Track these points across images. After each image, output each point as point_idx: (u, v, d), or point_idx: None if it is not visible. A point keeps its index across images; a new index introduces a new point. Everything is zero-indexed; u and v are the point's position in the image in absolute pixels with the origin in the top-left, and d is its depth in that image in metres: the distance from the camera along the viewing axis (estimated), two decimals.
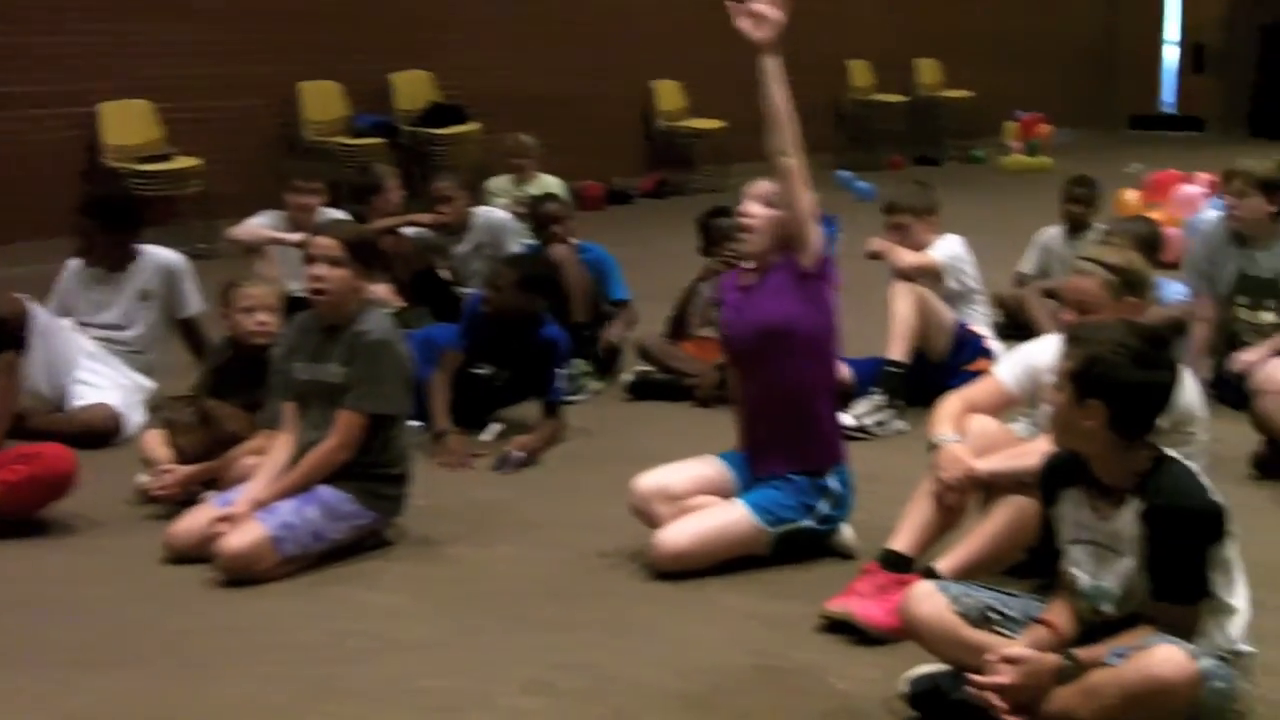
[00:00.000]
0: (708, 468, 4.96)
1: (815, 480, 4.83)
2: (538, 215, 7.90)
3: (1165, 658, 3.26)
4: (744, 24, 4.54)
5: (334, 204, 8.13)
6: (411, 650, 4.24)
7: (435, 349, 6.37)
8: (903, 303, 6.60)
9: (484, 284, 6.59)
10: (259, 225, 7.72)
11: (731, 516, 4.77)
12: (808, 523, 4.82)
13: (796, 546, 4.84)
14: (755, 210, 4.80)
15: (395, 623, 4.46)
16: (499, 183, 9.79)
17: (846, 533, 4.95)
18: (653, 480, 4.89)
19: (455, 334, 6.49)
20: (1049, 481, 3.70)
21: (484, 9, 14.41)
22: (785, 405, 4.82)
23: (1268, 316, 6.68)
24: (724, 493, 4.88)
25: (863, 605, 4.22)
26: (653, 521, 4.83)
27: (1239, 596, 3.53)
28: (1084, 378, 3.47)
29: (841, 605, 4.27)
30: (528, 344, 6.29)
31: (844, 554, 4.89)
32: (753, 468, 4.91)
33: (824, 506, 4.84)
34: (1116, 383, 3.45)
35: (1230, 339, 6.72)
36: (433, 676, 4.05)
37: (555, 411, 6.31)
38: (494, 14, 14.50)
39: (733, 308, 4.93)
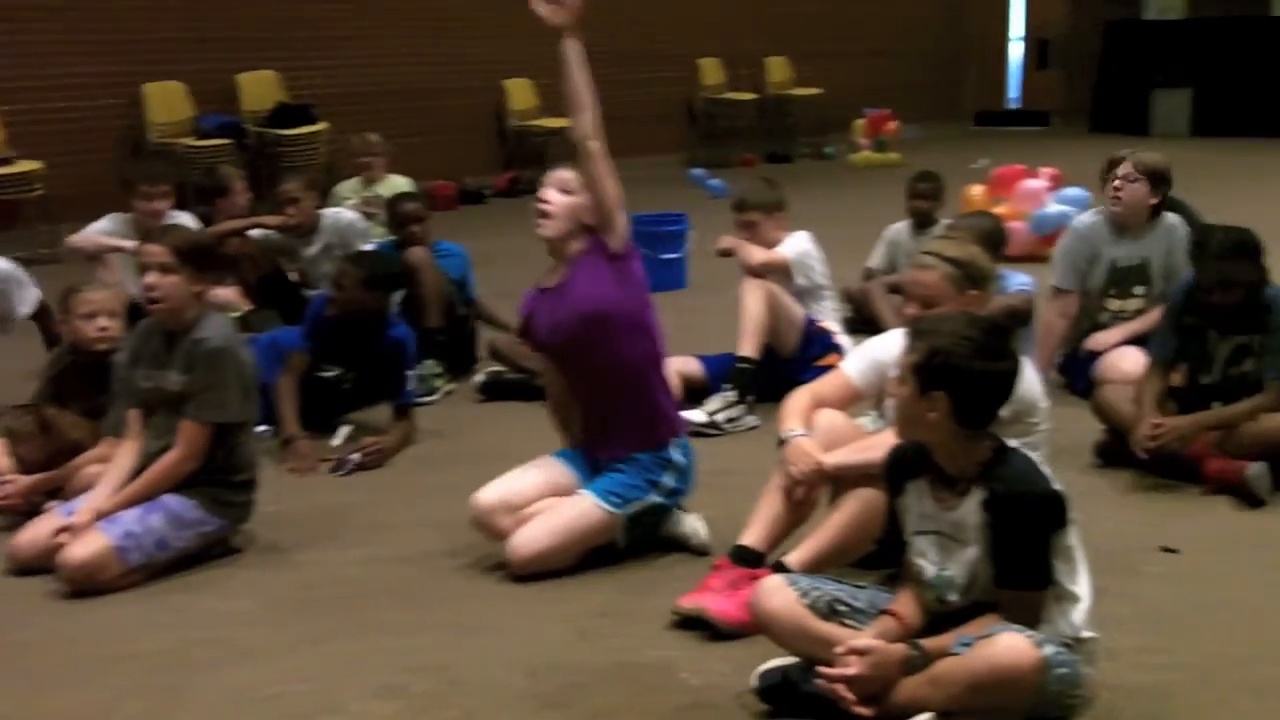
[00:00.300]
0: (547, 471, 4.94)
1: (657, 454, 4.85)
2: (396, 215, 7.81)
3: (1009, 645, 3.32)
4: (541, 9, 4.54)
5: (180, 206, 8.00)
6: (261, 658, 4.18)
7: (281, 352, 6.29)
8: (752, 299, 6.64)
9: (329, 283, 6.50)
10: (100, 231, 7.58)
11: (581, 508, 4.77)
12: (654, 498, 4.84)
13: (649, 534, 4.88)
14: (553, 197, 4.81)
15: (244, 630, 4.39)
16: (348, 184, 9.66)
17: (699, 526, 4.97)
18: (494, 493, 4.85)
19: (300, 336, 6.41)
20: (893, 473, 3.75)
21: (332, 7, 14.28)
22: (620, 387, 4.83)
23: (1135, 304, 6.77)
24: (567, 492, 4.87)
25: (715, 601, 4.24)
26: (497, 534, 4.81)
27: (1082, 583, 3.60)
28: (927, 369, 3.52)
29: (694, 601, 4.28)
30: (375, 345, 6.24)
31: (696, 550, 4.91)
32: (594, 454, 4.92)
33: (668, 479, 4.86)
34: (959, 373, 3.50)
35: (1094, 328, 6.81)
36: (283, 683, 3.99)
37: (406, 413, 6.26)
38: (342, 13, 14.38)
39: (545, 313, 4.91)
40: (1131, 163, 6.68)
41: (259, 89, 13.55)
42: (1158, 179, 6.71)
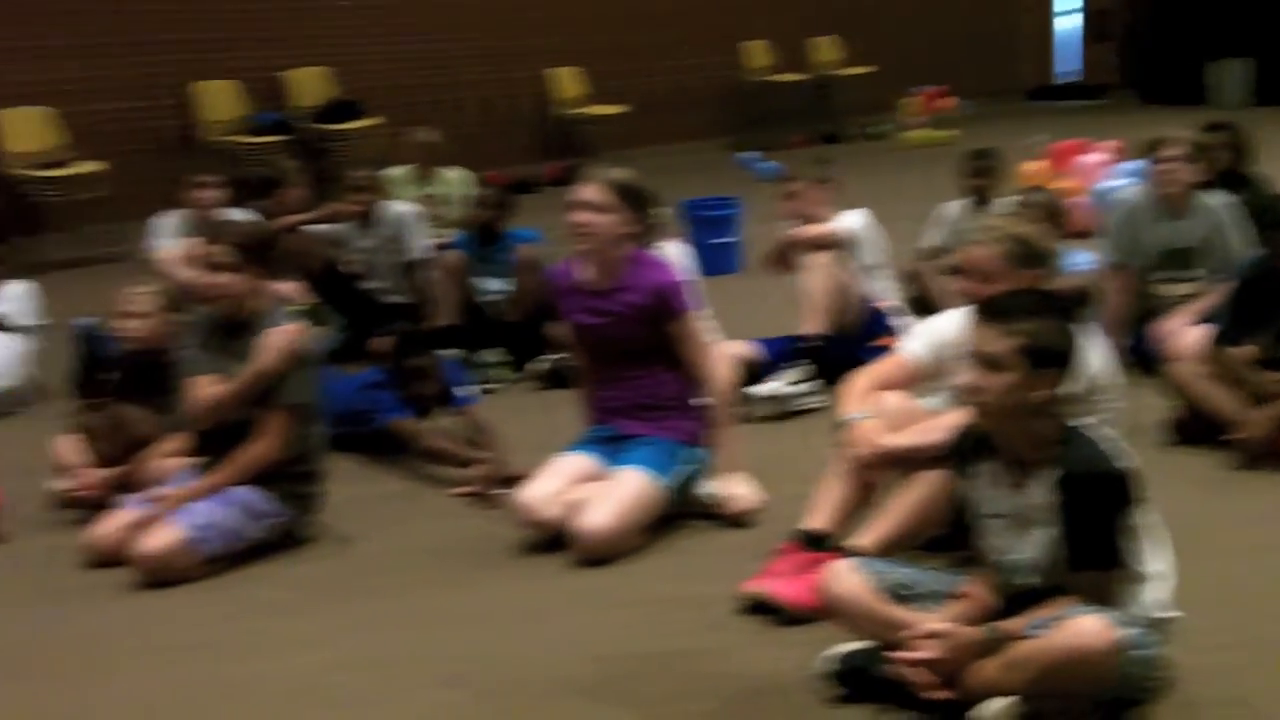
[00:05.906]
0: (574, 463, 5.03)
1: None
2: (480, 201, 7.93)
3: (1084, 628, 3.25)
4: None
5: (237, 203, 8.05)
6: (321, 645, 4.21)
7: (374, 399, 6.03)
8: (816, 277, 6.59)
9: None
10: (162, 231, 7.75)
11: (637, 483, 4.87)
12: (690, 466, 5.04)
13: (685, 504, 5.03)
14: (586, 218, 4.94)
15: (304, 619, 4.44)
16: (398, 172, 9.59)
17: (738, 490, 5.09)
18: (537, 489, 4.91)
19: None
20: (959, 456, 3.69)
21: (379, 3, 14.34)
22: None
23: (1185, 287, 6.69)
24: (599, 477, 4.97)
25: (781, 584, 4.21)
26: (548, 526, 4.86)
27: (1159, 562, 3.53)
28: (1035, 351, 3.42)
29: (760, 586, 4.26)
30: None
31: (728, 517, 5.00)
32: (625, 430, 5.08)
33: (699, 451, 5.09)
34: (1064, 352, 3.45)
35: (1148, 310, 6.73)
36: (345, 671, 4.03)
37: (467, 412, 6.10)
38: (389, 8, 14.44)
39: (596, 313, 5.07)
40: (1182, 144, 6.62)
41: (309, 85, 13.60)
42: (1198, 158, 6.71)
